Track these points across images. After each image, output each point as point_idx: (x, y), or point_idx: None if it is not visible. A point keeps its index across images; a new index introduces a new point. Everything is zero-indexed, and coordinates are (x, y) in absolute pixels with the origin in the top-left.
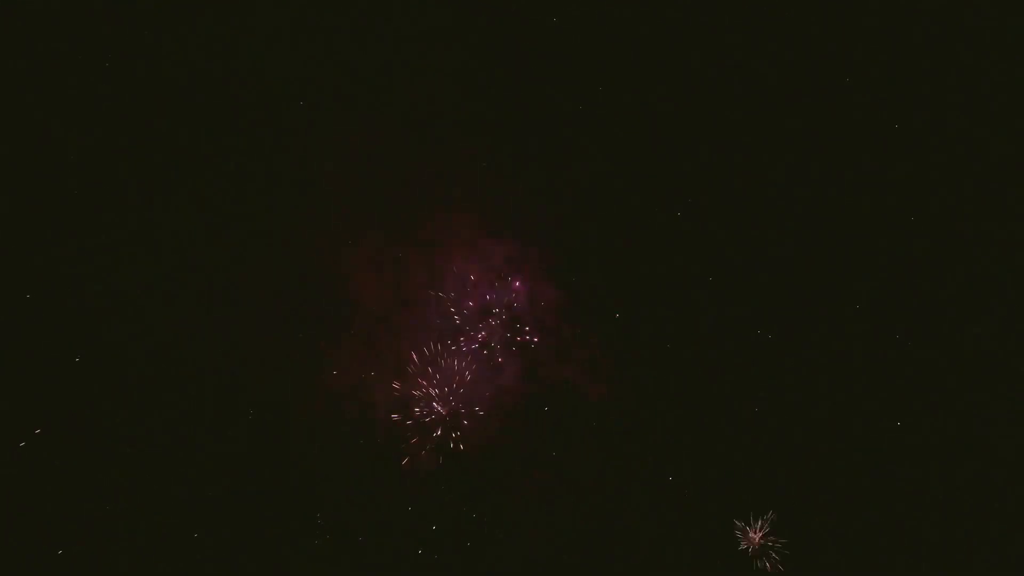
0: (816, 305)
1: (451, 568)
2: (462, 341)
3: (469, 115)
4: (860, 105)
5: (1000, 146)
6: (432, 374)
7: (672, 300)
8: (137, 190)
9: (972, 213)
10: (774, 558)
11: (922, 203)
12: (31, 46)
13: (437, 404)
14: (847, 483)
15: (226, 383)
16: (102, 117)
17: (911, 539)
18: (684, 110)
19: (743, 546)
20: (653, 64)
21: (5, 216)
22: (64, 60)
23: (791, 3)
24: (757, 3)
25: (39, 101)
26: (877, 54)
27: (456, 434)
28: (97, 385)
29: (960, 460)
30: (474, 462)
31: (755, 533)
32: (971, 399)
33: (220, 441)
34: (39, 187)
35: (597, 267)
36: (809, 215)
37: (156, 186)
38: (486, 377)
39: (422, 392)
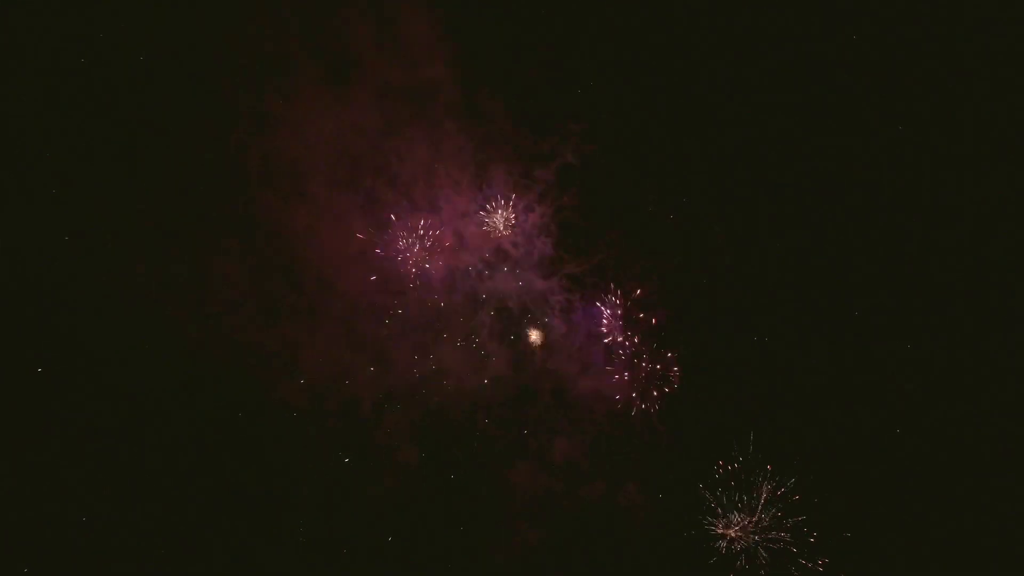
0: (812, 306)
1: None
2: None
3: (459, 101)
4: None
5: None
6: (417, 365)
7: (665, 293)
8: (103, 179)
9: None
10: (760, 543)
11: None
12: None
13: (421, 398)
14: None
15: (199, 374)
16: (76, 108)
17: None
18: (683, 108)
19: (723, 536)
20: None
21: None
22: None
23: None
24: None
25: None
26: (880, 55)
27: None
28: (63, 382)
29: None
30: (460, 457)
31: (732, 526)
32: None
33: (196, 438)
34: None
35: (589, 259)
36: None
37: (123, 174)
38: (473, 368)
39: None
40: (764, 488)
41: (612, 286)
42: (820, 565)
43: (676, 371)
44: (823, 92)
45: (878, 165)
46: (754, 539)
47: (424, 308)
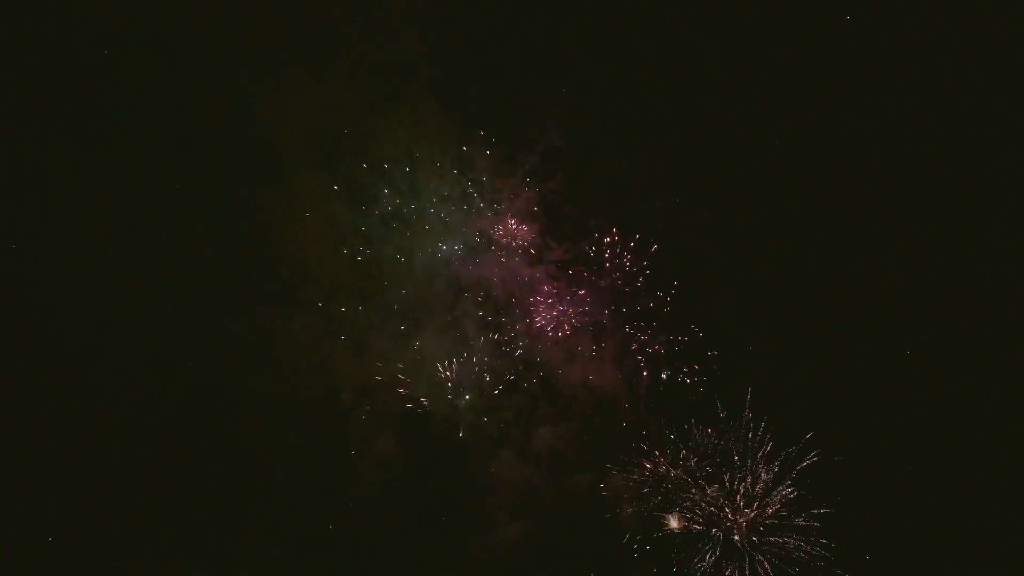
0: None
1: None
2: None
3: (445, 87)
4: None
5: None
6: (397, 353)
7: (656, 280)
8: (73, 167)
9: None
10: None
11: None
12: None
13: (404, 390)
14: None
15: (170, 362)
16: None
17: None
18: (674, 89)
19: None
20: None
21: None
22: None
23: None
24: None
25: None
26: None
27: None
28: (32, 372)
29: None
30: (442, 447)
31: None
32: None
33: (166, 429)
34: None
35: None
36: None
37: (93, 160)
38: (456, 357)
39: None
40: (761, 471)
41: (599, 273)
42: None
43: (665, 358)
44: (820, 80)
45: (872, 159)
46: (751, 538)
47: (405, 295)
